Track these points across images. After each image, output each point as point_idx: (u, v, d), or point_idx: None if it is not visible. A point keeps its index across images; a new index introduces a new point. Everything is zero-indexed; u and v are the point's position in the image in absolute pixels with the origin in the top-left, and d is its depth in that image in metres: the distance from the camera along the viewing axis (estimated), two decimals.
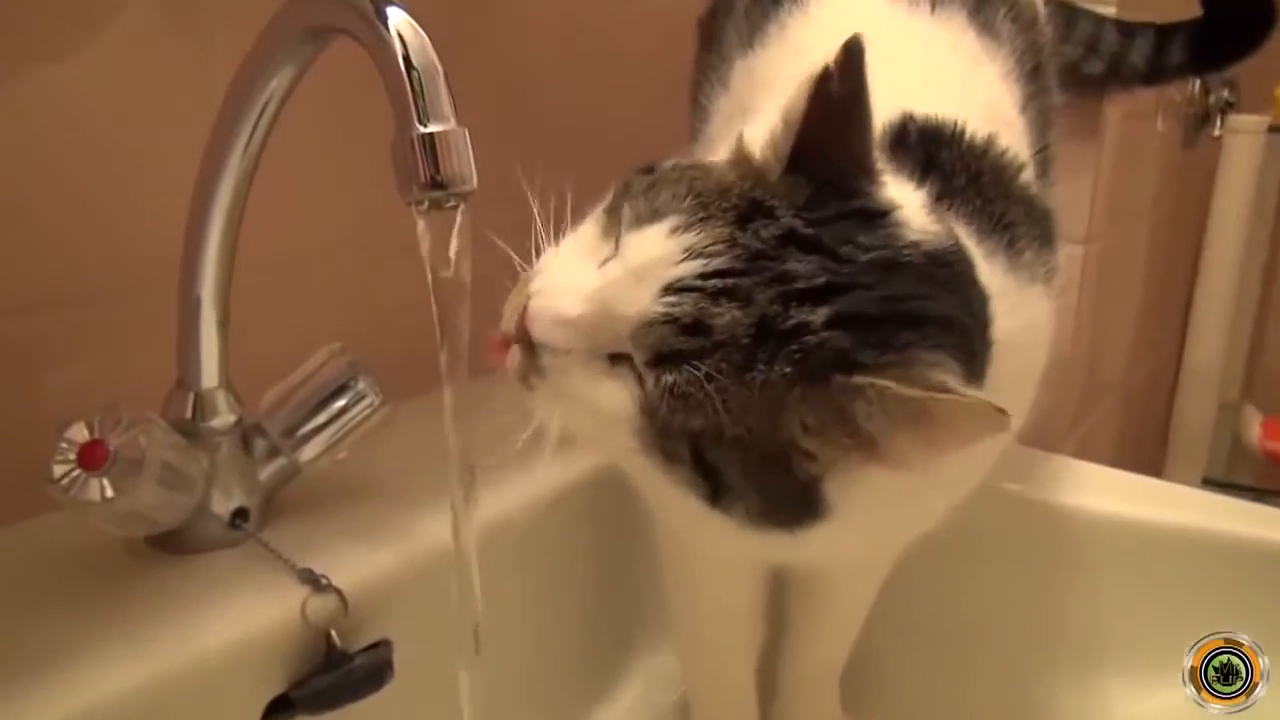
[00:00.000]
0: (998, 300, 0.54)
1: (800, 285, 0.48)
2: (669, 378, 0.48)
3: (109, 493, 0.58)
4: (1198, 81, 1.53)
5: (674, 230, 0.50)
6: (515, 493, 0.79)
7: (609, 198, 0.55)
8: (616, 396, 0.50)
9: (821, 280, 0.48)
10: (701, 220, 0.50)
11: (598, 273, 0.52)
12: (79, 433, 0.58)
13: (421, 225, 0.53)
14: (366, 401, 0.70)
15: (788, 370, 0.47)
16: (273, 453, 0.70)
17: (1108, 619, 0.82)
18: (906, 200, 0.53)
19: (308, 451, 0.69)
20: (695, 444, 0.49)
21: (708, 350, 0.47)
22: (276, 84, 0.60)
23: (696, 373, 0.47)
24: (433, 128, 0.51)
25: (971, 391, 0.47)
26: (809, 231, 0.49)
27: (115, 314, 0.75)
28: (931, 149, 0.58)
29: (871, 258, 0.49)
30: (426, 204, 0.52)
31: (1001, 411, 0.44)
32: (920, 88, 0.62)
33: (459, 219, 0.53)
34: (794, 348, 0.47)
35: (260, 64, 0.60)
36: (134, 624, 0.59)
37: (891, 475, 0.49)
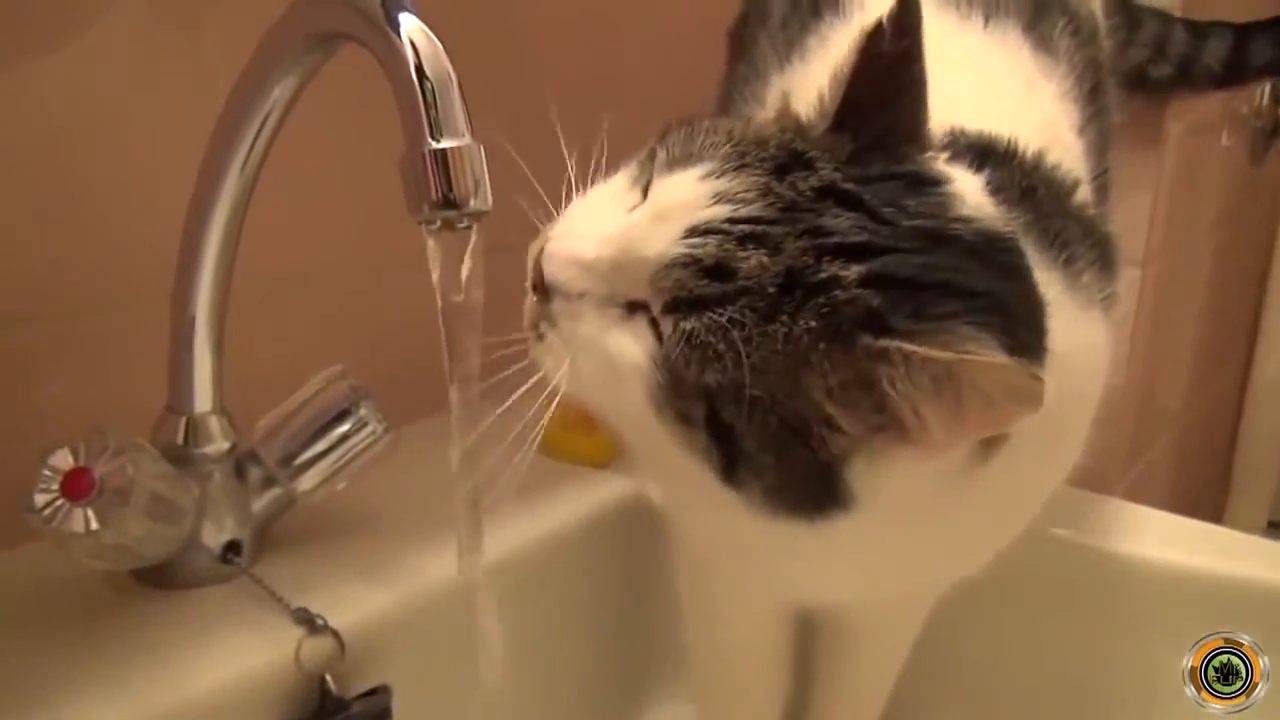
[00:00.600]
0: (1054, 314, 0.52)
1: (835, 240, 0.47)
2: (687, 325, 0.47)
3: (94, 524, 0.58)
4: (1267, 91, 1.53)
5: (705, 176, 0.50)
6: (524, 528, 0.79)
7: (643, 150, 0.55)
8: (630, 349, 0.50)
9: (859, 238, 0.47)
10: (736, 168, 0.50)
11: (622, 218, 0.52)
12: (63, 460, 0.59)
13: (432, 245, 0.53)
14: (368, 429, 0.70)
15: (813, 324, 0.46)
16: (268, 482, 0.70)
17: (1163, 677, 0.81)
18: (962, 178, 0.52)
19: (305, 481, 0.70)
20: (711, 403, 0.48)
21: (730, 296, 0.47)
22: (279, 93, 0.60)
23: (717, 319, 0.47)
24: (446, 143, 0.51)
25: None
26: (849, 187, 0.49)
27: (101, 328, 0.75)
28: (981, 162, 0.57)
29: (916, 224, 0.48)
30: (438, 223, 0.52)
31: (1036, 378, 0.43)
32: (971, 105, 0.61)
33: (472, 239, 0.53)
34: (822, 301, 0.46)
35: (262, 72, 0.60)
36: (116, 664, 0.59)
37: (919, 460, 0.48)
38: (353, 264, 0.90)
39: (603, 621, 0.88)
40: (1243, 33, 1.06)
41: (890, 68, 0.50)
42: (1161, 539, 0.85)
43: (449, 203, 0.51)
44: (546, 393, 0.52)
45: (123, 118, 0.74)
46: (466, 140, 0.51)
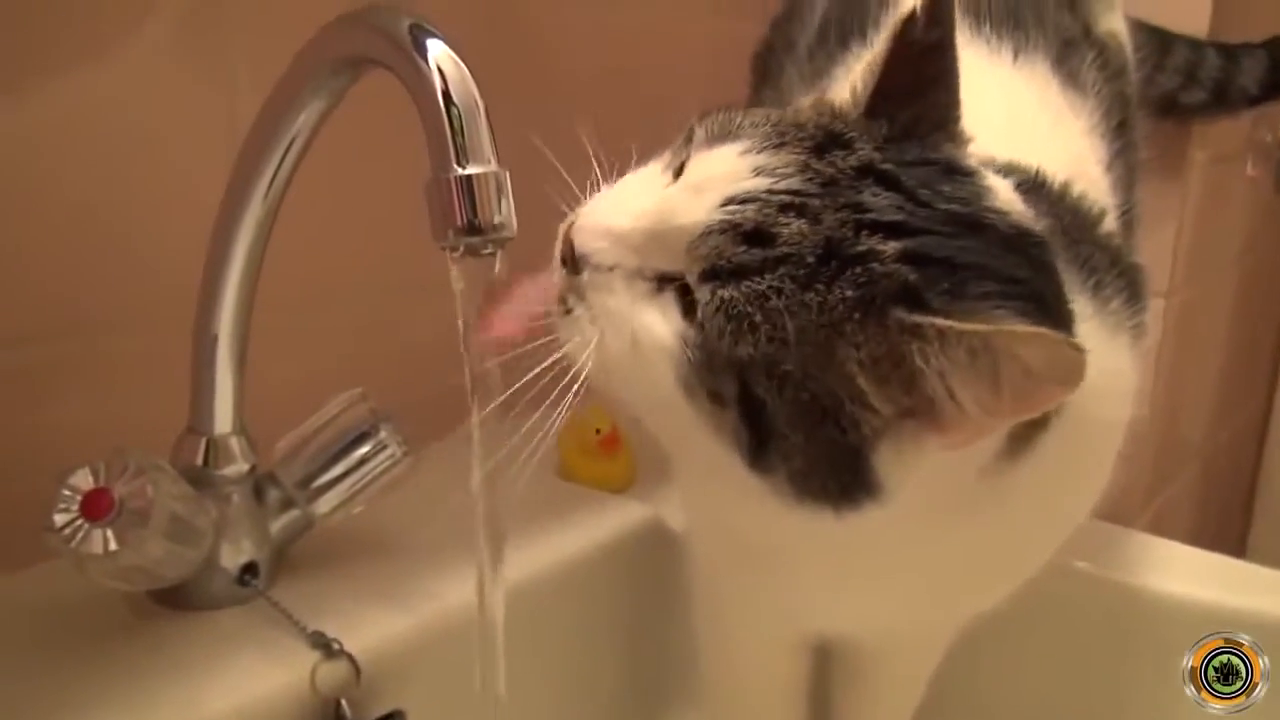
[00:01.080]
0: (1083, 337, 0.51)
1: (873, 216, 0.47)
2: (724, 293, 0.47)
3: (112, 545, 0.58)
4: None
5: (745, 151, 0.50)
6: (542, 552, 0.79)
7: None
8: (660, 326, 0.49)
9: (896, 217, 0.47)
10: (776, 145, 0.50)
11: (657, 194, 0.51)
12: (83, 480, 0.59)
13: (455, 271, 0.53)
14: (388, 452, 0.70)
15: (849, 294, 0.46)
16: (286, 504, 0.70)
17: (1185, 712, 0.81)
18: (993, 176, 0.52)
19: (323, 504, 0.70)
20: (743, 379, 0.47)
21: (769, 264, 0.47)
22: (305, 117, 0.60)
23: (756, 287, 0.46)
24: (472, 169, 0.51)
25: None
26: (888, 167, 0.49)
27: (121, 347, 0.75)
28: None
29: (952, 209, 0.48)
30: (462, 249, 0.52)
31: (1077, 348, 0.43)
32: (999, 138, 0.62)
33: (497, 265, 0.53)
34: (859, 272, 0.46)
35: (289, 95, 0.61)
36: (132, 685, 0.59)
37: (948, 448, 0.47)
38: (374, 286, 0.91)
39: (619, 646, 0.88)
40: (1277, 48, 1.05)
41: (922, 56, 0.51)
42: (1183, 573, 0.85)
43: (474, 229, 0.51)
44: (570, 374, 0.51)
45: (147, 138, 0.74)
46: (492, 166, 0.52)
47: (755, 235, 0.47)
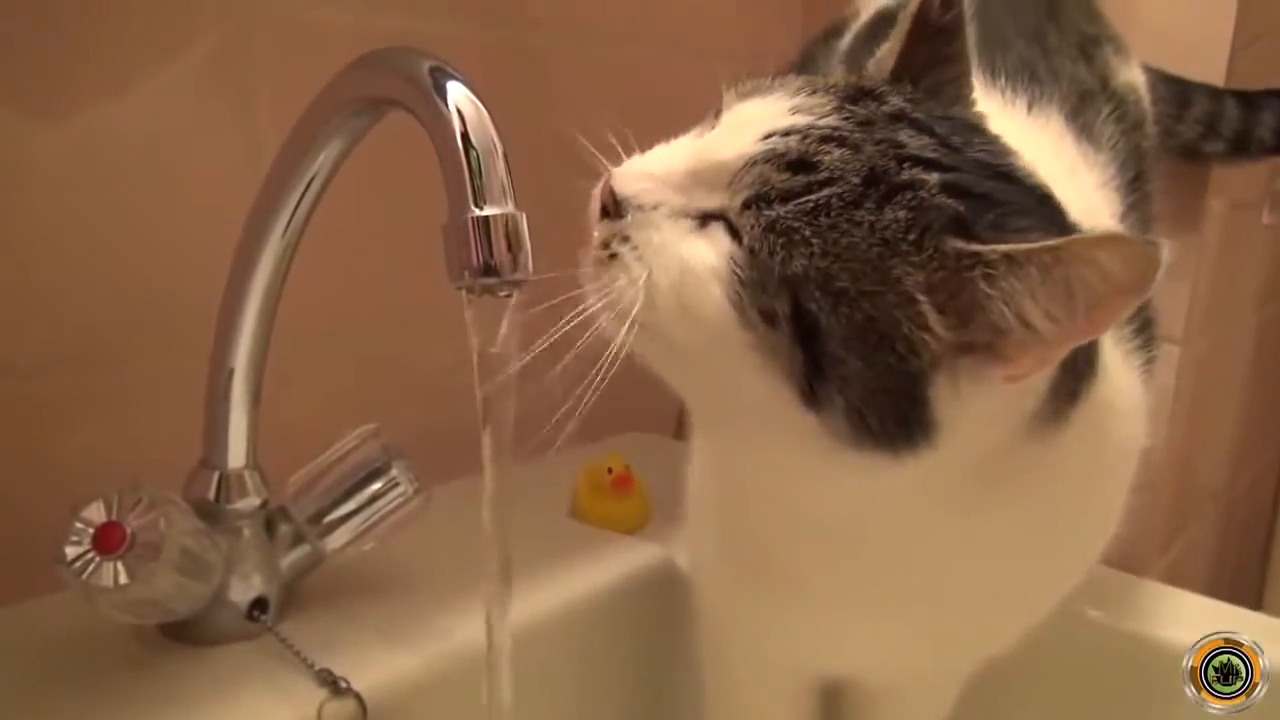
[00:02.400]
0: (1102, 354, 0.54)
1: (912, 151, 0.49)
2: (771, 213, 0.48)
3: (123, 579, 0.58)
4: None
5: (780, 99, 0.52)
6: (553, 592, 0.79)
7: None
8: (707, 254, 0.49)
9: (933, 155, 0.49)
10: (810, 93, 0.52)
11: (693, 144, 0.53)
12: (96, 512, 0.59)
13: (470, 312, 0.53)
14: (399, 490, 0.70)
15: (900, 215, 0.47)
16: (297, 539, 0.70)
17: None
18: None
19: (334, 540, 0.70)
20: (796, 296, 0.47)
21: (814, 186, 0.47)
22: (325, 156, 0.61)
23: (804, 205, 0.47)
24: (489, 210, 0.52)
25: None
26: (919, 115, 0.51)
27: (135, 378, 0.76)
28: None
29: (982, 157, 0.50)
30: (477, 290, 0.53)
31: (1152, 242, 0.43)
32: None
33: (511, 304, 0.54)
34: (909, 197, 0.47)
35: (309, 135, 0.61)
36: (136, 718, 0.60)
37: (1009, 379, 0.47)
38: (389, 323, 0.91)
39: (627, 687, 0.88)
40: None
41: (938, 35, 0.54)
42: (1198, 624, 0.84)
43: (489, 270, 0.52)
44: (615, 315, 0.51)
45: (169, 172, 0.76)
46: (509, 208, 0.52)
47: (798, 163, 0.48)
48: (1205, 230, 1.16)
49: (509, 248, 0.52)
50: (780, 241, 0.47)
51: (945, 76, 0.55)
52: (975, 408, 0.48)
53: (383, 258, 0.87)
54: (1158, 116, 0.83)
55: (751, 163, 0.49)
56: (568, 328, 0.51)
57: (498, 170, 0.53)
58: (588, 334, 0.51)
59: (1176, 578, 0.96)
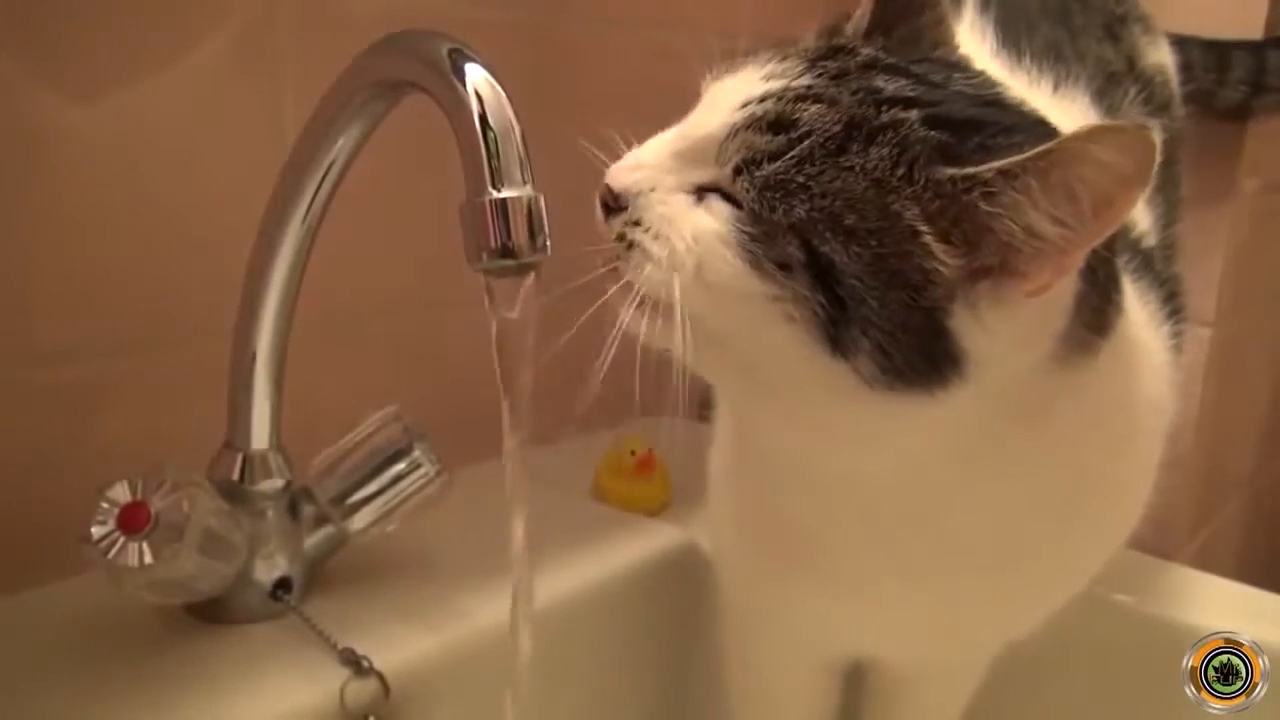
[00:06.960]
0: (1129, 317, 0.54)
1: (889, 94, 0.49)
2: (761, 172, 0.48)
3: (147, 559, 0.59)
4: None
5: (752, 72, 0.53)
6: (575, 574, 0.79)
7: None
8: (710, 223, 0.50)
9: (912, 93, 0.50)
10: (781, 60, 0.53)
11: (675, 131, 0.54)
12: (121, 493, 0.60)
13: (488, 294, 0.53)
14: (422, 471, 0.71)
15: (885, 153, 0.47)
16: (320, 520, 0.71)
17: None
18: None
19: (357, 521, 0.70)
20: (806, 240, 0.48)
21: (796, 141, 0.48)
22: (345, 139, 0.61)
23: (790, 161, 0.48)
24: (506, 193, 0.52)
25: None
26: (892, 60, 0.52)
27: (161, 363, 0.77)
28: None
29: (963, 89, 0.51)
30: (495, 272, 0.53)
31: (1143, 127, 0.44)
32: None
33: (529, 281, 0.53)
34: (890, 136, 0.48)
35: (329, 118, 0.61)
36: (161, 697, 0.60)
37: (1032, 292, 0.47)
38: (411, 305, 0.91)
39: (650, 668, 0.88)
40: None
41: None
42: (1228, 609, 0.83)
43: (507, 251, 0.52)
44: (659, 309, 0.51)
45: (195, 156, 0.76)
46: (527, 190, 0.52)
47: (778, 124, 0.49)
48: (1237, 212, 1.14)
49: (528, 229, 0.52)
50: (778, 195, 0.48)
51: (922, 23, 0.56)
52: (1001, 333, 0.48)
53: (407, 241, 0.87)
54: (1192, 94, 0.82)
55: (734, 131, 0.50)
56: (612, 341, 0.51)
57: (515, 152, 0.52)
58: (639, 335, 0.51)
59: (1206, 562, 0.95)
